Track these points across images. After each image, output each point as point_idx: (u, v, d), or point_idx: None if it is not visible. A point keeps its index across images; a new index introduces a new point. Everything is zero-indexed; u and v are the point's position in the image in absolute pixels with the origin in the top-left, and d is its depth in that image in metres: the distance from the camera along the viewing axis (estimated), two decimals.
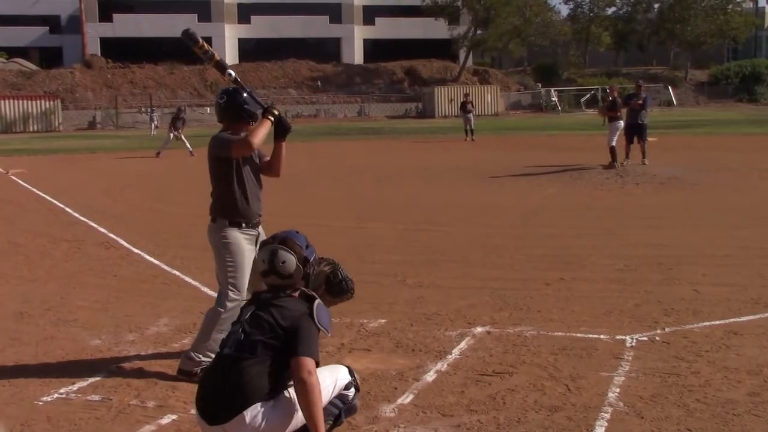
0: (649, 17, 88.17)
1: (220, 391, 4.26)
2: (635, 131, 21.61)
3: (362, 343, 6.69)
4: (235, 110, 5.96)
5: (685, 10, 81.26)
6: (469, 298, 8.03)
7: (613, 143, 20.60)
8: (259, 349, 4.27)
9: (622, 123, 21.03)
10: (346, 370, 4.66)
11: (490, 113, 68.04)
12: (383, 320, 7.36)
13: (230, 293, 5.82)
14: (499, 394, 5.47)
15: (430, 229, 12.50)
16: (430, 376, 5.85)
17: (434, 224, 13.02)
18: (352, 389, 4.63)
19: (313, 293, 4.54)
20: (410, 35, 79.61)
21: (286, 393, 4.31)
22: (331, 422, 4.57)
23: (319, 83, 73.60)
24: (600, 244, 10.92)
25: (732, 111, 64.07)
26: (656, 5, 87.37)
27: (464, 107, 35.39)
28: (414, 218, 13.74)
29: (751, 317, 7.20)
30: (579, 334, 6.73)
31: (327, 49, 79.04)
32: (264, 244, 4.66)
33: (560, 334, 6.77)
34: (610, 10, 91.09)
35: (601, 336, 6.66)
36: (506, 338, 6.70)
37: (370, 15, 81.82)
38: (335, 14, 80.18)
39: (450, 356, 6.29)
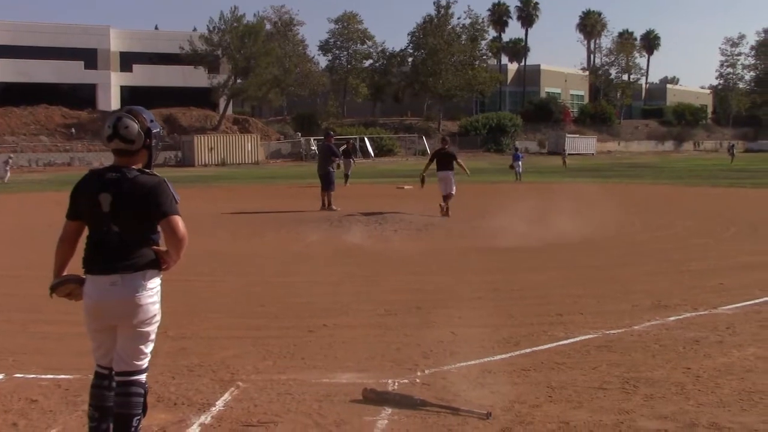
0: (403, 70, 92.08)
1: None
2: None
3: None
4: None
5: (437, 65, 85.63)
6: (232, 348, 7.93)
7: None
8: None
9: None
10: None
11: (250, 162, 68.26)
12: None
13: None
14: None
15: (191, 279, 12.25)
16: (193, 431, 5.71)
17: (195, 274, 12.76)
18: None
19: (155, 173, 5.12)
20: (169, 83, 78.67)
21: None
22: None
23: (73, 130, 70.99)
24: (361, 290, 11.13)
25: (481, 160, 67.77)
26: (410, 59, 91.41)
27: (347, 153, 36.09)
28: (174, 268, 13.39)
29: (503, 356, 7.57)
30: (343, 380, 6.80)
31: (82, 96, 76.52)
32: (112, 113, 5.08)
33: (325, 380, 6.81)
34: (367, 63, 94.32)
35: (364, 381, 6.75)
36: (270, 387, 6.66)
37: (127, 62, 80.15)
38: (90, 60, 77.85)
39: (214, 408, 6.16)
